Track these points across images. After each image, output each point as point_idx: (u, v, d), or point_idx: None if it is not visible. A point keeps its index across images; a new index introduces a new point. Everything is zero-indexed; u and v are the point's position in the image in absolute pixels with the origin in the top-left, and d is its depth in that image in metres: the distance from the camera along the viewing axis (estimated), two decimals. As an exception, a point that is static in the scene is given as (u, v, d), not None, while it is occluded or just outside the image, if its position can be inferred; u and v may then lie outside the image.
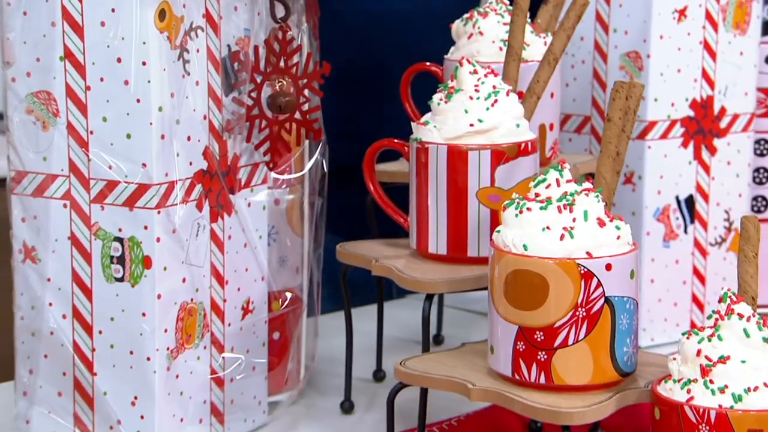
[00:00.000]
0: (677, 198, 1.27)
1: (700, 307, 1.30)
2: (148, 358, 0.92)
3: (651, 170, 1.25)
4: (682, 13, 1.24)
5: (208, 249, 0.97)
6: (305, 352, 1.12)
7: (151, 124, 0.90)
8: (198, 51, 0.94)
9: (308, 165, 1.06)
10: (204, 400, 0.98)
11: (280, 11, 1.00)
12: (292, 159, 1.04)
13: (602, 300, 0.86)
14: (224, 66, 0.97)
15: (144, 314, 0.92)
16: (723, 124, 1.28)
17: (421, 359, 0.93)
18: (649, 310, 1.27)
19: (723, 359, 0.80)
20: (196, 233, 0.95)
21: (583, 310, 0.86)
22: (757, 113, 1.33)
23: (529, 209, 0.87)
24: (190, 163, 0.94)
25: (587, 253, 0.86)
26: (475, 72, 1.01)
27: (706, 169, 1.28)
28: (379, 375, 1.18)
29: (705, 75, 1.26)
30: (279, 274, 1.08)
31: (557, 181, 0.88)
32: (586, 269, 0.85)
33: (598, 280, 0.85)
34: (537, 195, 0.88)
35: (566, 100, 1.29)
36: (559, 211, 0.86)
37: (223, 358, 0.99)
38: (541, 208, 0.87)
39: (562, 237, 0.86)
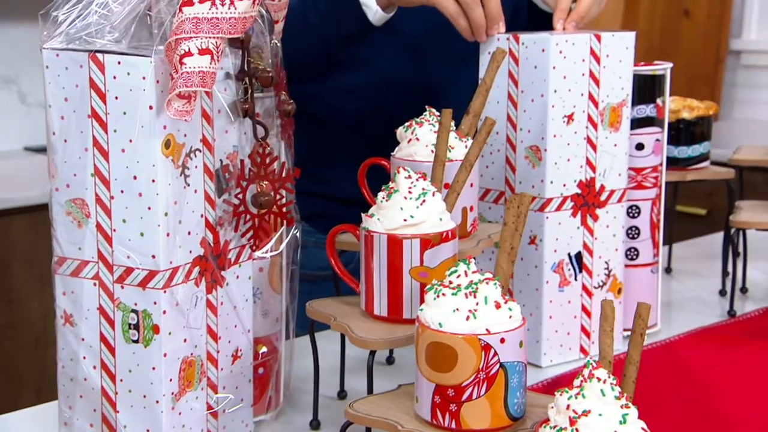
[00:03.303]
0: (569, 254, 1.26)
1: (587, 334, 1.29)
2: (157, 401, 0.91)
3: (549, 234, 1.24)
4: (570, 117, 1.23)
5: (204, 314, 0.95)
6: (283, 380, 1.11)
7: (159, 226, 0.89)
8: (196, 167, 0.92)
9: (283, 244, 1.04)
10: (202, 430, 0.96)
11: (260, 132, 0.98)
12: (272, 240, 1.03)
13: (498, 365, 0.85)
14: (217, 175, 0.95)
15: (154, 368, 0.91)
16: (602, 197, 1.27)
17: (365, 401, 0.92)
18: (548, 338, 1.26)
19: (585, 413, 0.79)
20: (194, 304, 0.94)
21: (484, 373, 0.84)
22: (629, 187, 1.32)
23: (444, 294, 0.86)
24: (190, 252, 0.92)
25: (486, 329, 0.84)
26: (410, 177, 1.00)
27: (591, 231, 1.27)
28: (342, 394, 1.16)
29: (588, 162, 1.25)
30: (263, 324, 1.06)
31: (465, 272, 0.87)
32: (485, 342, 0.84)
33: (495, 350, 0.84)
34: (450, 282, 0.87)
35: (486, 179, 1.28)
36: (466, 296, 0.85)
37: (217, 396, 0.98)
38: (453, 294, 0.86)
39: (467, 318, 0.84)
